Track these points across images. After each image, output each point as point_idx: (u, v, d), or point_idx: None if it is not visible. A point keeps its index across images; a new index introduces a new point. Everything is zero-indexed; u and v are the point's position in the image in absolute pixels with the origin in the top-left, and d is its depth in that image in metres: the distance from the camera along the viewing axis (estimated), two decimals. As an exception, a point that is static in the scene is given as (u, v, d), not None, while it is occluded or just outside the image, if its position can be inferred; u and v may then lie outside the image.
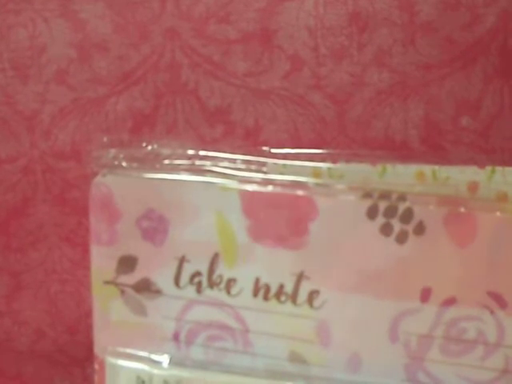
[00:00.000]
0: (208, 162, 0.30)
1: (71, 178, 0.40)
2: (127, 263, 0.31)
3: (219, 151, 0.31)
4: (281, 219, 0.29)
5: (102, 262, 0.31)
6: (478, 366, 0.28)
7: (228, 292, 0.30)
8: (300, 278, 0.29)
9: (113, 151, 0.31)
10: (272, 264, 0.29)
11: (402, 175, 0.29)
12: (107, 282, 0.31)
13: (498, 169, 0.29)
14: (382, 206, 0.28)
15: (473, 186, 0.29)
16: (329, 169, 0.29)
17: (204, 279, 0.30)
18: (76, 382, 0.43)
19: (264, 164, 0.30)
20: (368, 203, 0.29)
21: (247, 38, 0.37)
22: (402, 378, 0.29)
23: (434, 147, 0.36)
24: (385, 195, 0.29)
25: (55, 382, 0.43)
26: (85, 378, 0.42)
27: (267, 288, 0.30)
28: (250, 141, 0.37)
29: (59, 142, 0.39)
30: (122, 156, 0.31)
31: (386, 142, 0.36)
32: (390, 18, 0.35)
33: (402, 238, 0.28)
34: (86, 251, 0.33)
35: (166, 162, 0.31)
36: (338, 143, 0.37)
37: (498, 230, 0.28)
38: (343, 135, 0.37)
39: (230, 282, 0.30)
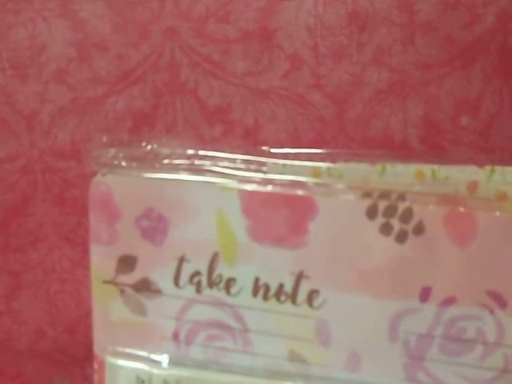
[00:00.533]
0: (207, 162, 0.30)
1: (71, 178, 0.40)
2: (127, 263, 0.31)
3: (219, 151, 0.31)
4: (280, 219, 0.29)
5: (101, 261, 0.31)
6: (478, 365, 0.28)
7: (227, 291, 0.30)
8: (299, 277, 0.29)
9: (112, 151, 0.31)
10: (271, 263, 0.29)
11: (401, 175, 0.29)
12: (107, 282, 0.31)
13: (498, 168, 0.29)
14: (382, 205, 0.28)
15: (472, 186, 0.29)
16: (328, 168, 0.29)
17: (203, 279, 0.30)
18: (76, 382, 0.43)
19: (263, 164, 0.30)
20: (367, 203, 0.29)
21: (247, 37, 0.37)
22: (402, 378, 0.29)
23: (434, 147, 0.36)
24: (384, 195, 0.29)
25: (55, 382, 0.43)
26: (84, 377, 0.42)
27: (267, 288, 0.30)
28: (250, 140, 0.37)
29: (59, 142, 0.39)
30: (121, 155, 0.31)
31: (385, 142, 0.36)
32: (390, 18, 0.35)
33: (401, 238, 0.28)
34: (85, 251, 0.33)
35: (166, 161, 0.31)
36: (337, 143, 0.37)
37: (498, 229, 0.28)
38: (343, 135, 0.37)
39: (230, 282, 0.30)
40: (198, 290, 0.30)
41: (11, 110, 0.39)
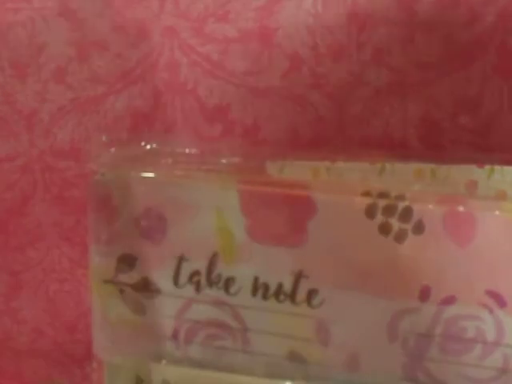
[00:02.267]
0: (207, 162, 0.30)
1: (70, 177, 0.40)
2: (126, 262, 0.31)
3: (218, 150, 0.31)
4: (279, 218, 0.29)
5: (101, 260, 0.31)
6: (477, 364, 0.28)
7: (227, 291, 0.30)
8: (299, 276, 0.29)
9: (112, 150, 0.31)
10: (271, 263, 0.29)
11: (401, 174, 0.29)
12: (106, 281, 0.31)
13: (497, 168, 0.29)
14: (381, 204, 0.28)
15: (472, 185, 0.29)
16: (328, 168, 0.30)
17: (203, 278, 0.30)
18: (75, 381, 0.43)
19: (263, 163, 0.30)
20: (367, 202, 0.29)
21: (246, 36, 0.37)
22: (401, 377, 0.29)
23: (433, 146, 0.36)
24: (384, 194, 0.29)
25: (54, 381, 0.43)
26: (84, 376, 0.42)
27: (266, 287, 0.30)
28: (249, 140, 0.37)
29: (58, 141, 0.39)
30: (120, 155, 0.31)
31: (384, 141, 0.36)
32: (389, 17, 0.35)
33: (400, 237, 0.28)
34: (85, 250, 0.33)
35: (165, 161, 0.31)
36: (336, 142, 0.37)
37: (497, 228, 0.28)
38: (342, 134, 0.37)
39: (229, 281, 0.30)
40: (198, 289, 0.30)
41: (11, 110, 0.39)
